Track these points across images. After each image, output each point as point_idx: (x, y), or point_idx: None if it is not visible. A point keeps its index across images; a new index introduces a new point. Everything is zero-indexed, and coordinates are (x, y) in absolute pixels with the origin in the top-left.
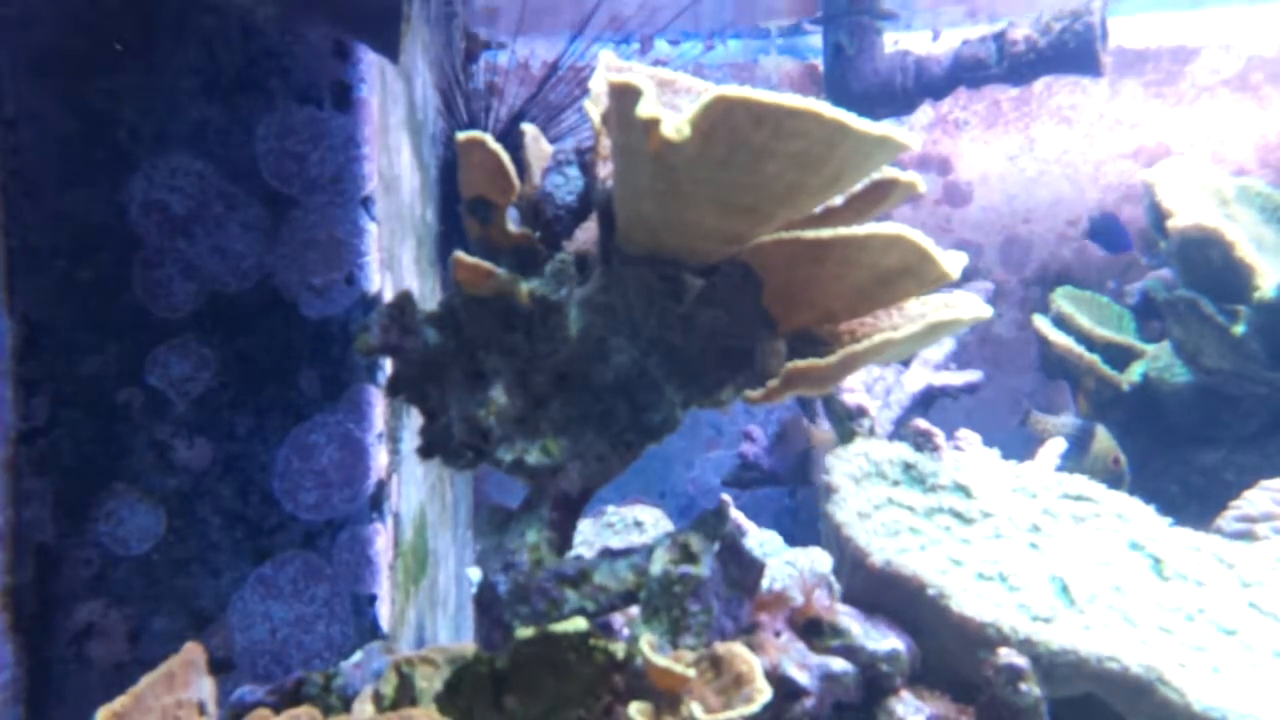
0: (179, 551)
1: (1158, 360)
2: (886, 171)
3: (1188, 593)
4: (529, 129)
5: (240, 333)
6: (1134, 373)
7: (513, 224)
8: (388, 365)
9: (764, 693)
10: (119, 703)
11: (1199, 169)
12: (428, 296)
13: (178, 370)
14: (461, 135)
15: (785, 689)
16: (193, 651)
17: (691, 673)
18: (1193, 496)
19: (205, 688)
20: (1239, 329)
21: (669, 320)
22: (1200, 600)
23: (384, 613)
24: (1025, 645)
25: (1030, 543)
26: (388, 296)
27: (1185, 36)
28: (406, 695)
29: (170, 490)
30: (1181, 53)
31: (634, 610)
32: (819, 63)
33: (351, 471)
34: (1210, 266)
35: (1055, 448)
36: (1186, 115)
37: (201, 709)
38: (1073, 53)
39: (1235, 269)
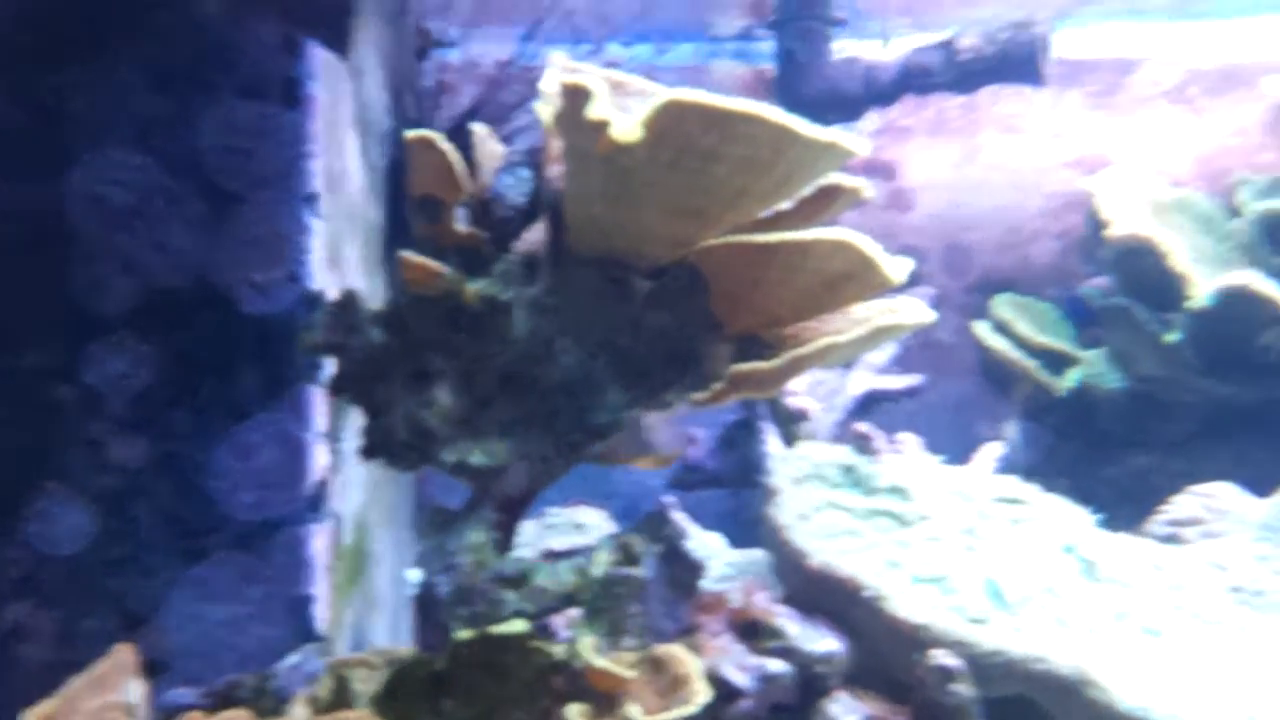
0: (111, 551)
1: (1093, 367)
2: (834, 177)
3: (1118, 595)
4: (479, 129)
5: (179, 330)
6: (1070, 378)
7: (461, 224)
8: (331, 364)
9: (702, 694)
10: (47, 705)
11: (1138, 179)
12: (374, 295)
13: (114, 367)
14: (411, 134)
15: (723, 690)
16: (124, 653)
17: (631, 674)
18: (1125, 500)
19: (137, 690)
20: (1172, 337)
21: (617, 322)
22: (1130, 602)
23: (320, 614)
24: (959, 646)
25: (966, 545)
26: (332, 295)
27: (1126, 49)
28: (343, 698)
29: (104, 489)
30: (1122, 65)
31: (575, 612)
32: (769, 68)
33: (291, 471)
34: (1146, 275)
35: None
36: (1126, 126)
37: (133, 712)
38: (1017, 63)
39: (1170, 278)
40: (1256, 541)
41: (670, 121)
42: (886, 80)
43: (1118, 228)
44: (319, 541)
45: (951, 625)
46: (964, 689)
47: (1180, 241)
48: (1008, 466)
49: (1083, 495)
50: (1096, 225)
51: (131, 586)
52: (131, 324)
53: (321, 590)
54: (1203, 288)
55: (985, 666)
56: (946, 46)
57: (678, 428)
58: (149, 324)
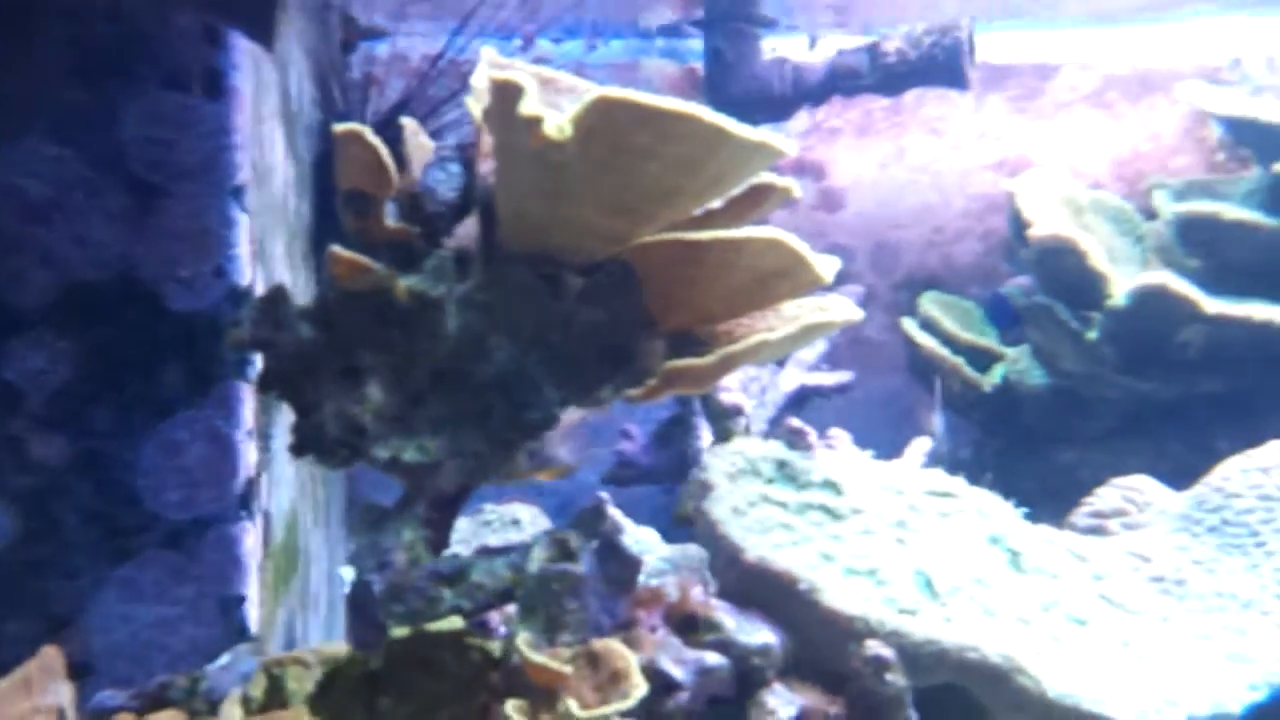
0: (34, 552)
1: (1017, 363)
2: (764, 176)
3: (1044, 585)
4: (409, 123)
5: (101, 325)
6: (995, 375)
7: (390, 219)
8: (259, 361)
9: (640, 688)
10: None
11: (1057, 181)
12: (301, 291)
13: (33, 363)
14: (339, 127)
15: (661, 683)
16: (50, 656)
17: (568, 669)
18: (1049, 493)
19: (64, 693)
20: (1092, 334)
21: (549, 319)
22: (1055, 592)
23: (252, 614)
24: (891, 637)
25: (897, 538)
26: (259, 290)
27: (1046, 54)
28: (276, 697)
29: (25, 489)
30: (1043, 70)
31: (511, 608)
32: (699, 66)
33: (219, 469)
34: (1067, 274)
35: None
36: (1047, 129)
37: (60, 715)
38: (941, 66)
39: (1090, 277)
40: (1176, 532)
41: (602, 119)
42: (814, 81)
43: (1039, 228)
44: (250, 540)
45: (885, 616)
46: (898, 678)
47: (1099, 242)
48: (935, 461)
49: (1008, 488)
50: (1018, 226)
51: (56, 587)
52: (50, 319)
53: (253, 589)
54: (1121, 287)
55: (917, 656)
56: (872, 49)
57: (576, 440)
58: (69, 319)
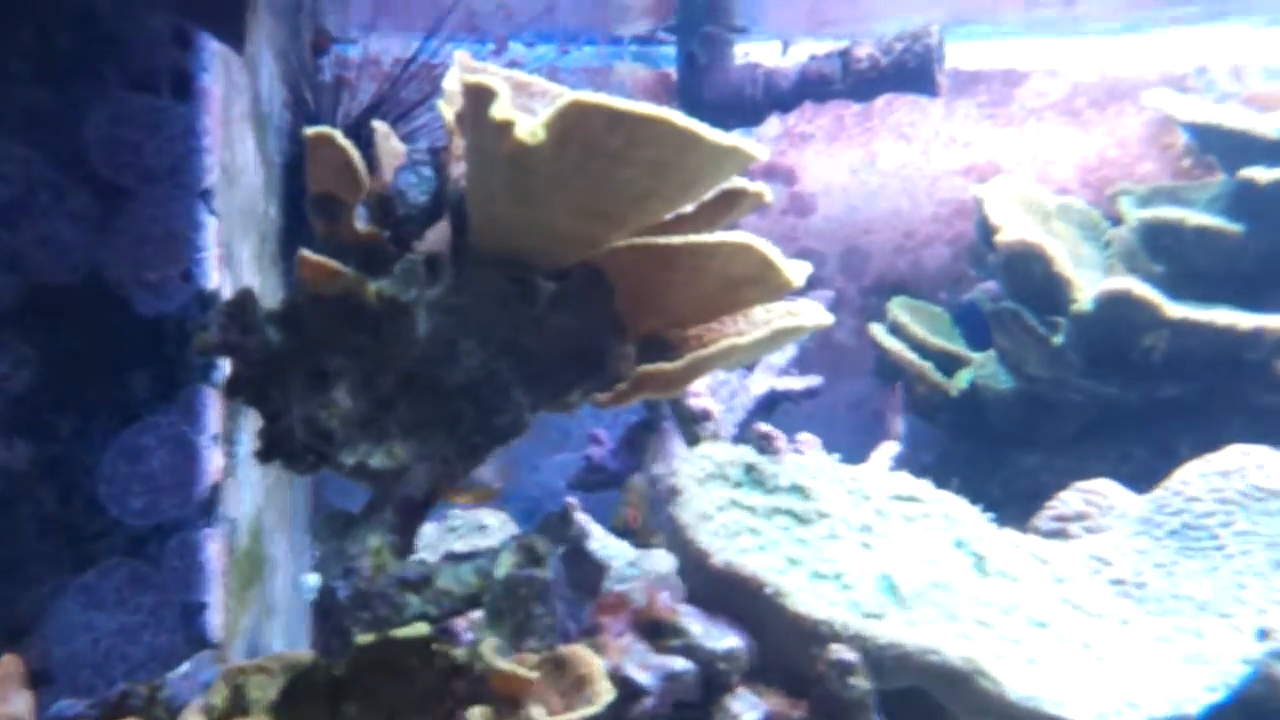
0: None
1: (984, 368)
2: (736, 181)
3: (1006, 588)
4: (380, 126)
5: (66, 329)
6: (962, 379)
7: (361, 223)
8: (225, 365)
9: (606, 694)
10: None
11: (1025, 187)
12: (269, 295)
13: None
14: (310, 131)
15: (627, 689)
16: (10, 664)
17: (534, 676)
18: (1014, 497)
19: (23, 702)
20: (1058, 339)
21: (520, 323)
22: (1017, 595)
23: (215, 621)
24: (856, 641)
25: (863, 542)
26: (226, 294)
27: (1015, 61)
28: (238, 705)
29: None
30: (1012, 76)
31: (478, 614)
32: (672, 71)
33: (183, 475)
34: (1033, 280)
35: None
36: (1015, 136)
37: None
38: (912, 72)
39: (1055, 282)
40: (1137, 536)
41: (574, 123)
42: (786, 87)
43: (1006, 234)
44: (213, 546)
45: (849, 620)
46: (862, 682)
47: (1065, 248)
48: (901, 465)
49: (974, 492)
50: (986, 231)
51: (15, 595)
52: (14, 322)
53: (216, 596)
54: (1086, 292)
55: (881, 660)
56: (843, 55)
57: (499, 463)
58: (33, 322)
